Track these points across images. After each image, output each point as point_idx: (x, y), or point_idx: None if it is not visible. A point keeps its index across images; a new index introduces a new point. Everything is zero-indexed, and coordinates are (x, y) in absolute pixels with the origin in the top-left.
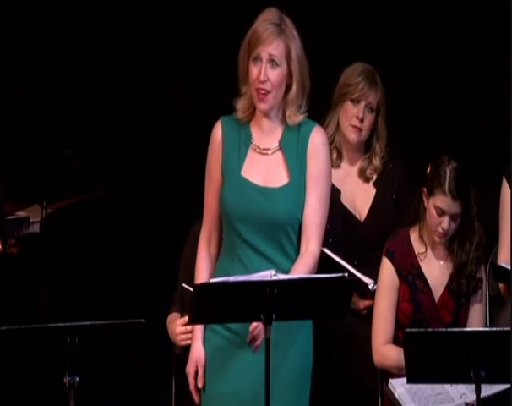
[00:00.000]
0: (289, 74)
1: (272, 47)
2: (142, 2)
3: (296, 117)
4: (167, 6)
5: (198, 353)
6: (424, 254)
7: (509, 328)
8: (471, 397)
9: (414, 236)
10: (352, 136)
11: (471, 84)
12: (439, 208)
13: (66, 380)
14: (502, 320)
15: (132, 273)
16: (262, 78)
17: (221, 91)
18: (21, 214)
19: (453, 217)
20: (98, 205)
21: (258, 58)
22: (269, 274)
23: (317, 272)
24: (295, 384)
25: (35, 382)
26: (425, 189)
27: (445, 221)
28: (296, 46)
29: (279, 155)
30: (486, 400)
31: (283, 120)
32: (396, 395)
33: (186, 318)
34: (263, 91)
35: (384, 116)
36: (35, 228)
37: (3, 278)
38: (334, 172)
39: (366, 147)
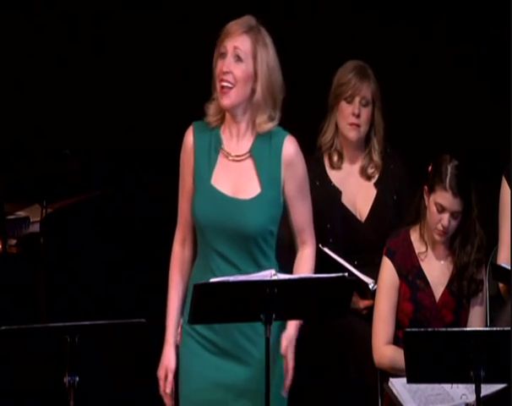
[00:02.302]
0: (254, 76)
1: (237, 40)
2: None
3: (265, 124)
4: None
5: (168, 358)
6: (425, 253)
7: (509, 328)
8: (471, 398)
9: (414, 236)
10: (351, 134)
11: (471, 84)
12: (440, 204)
13: (66, 380)
14: (502, 320)
15: (132, 273)
16: (225, 69)
17: None
18: (21, 214)
19: (453, 215)
20: (98, 205)
21: (224, 53)
22: (268, 274)
23: (317, 272)
24: None
25: (35, 382)
26: (426, 187)
27: (445, 218)
28: (264, 52)
29: (249, 162)
30: (485, 400)
31: (253, 127)
32: (396, 394)
33: None
34: (225, 83)
35: (380, 108)
36: (35, 228)
37: (3, 278)
38: (336, 173)
39: (365, 144)
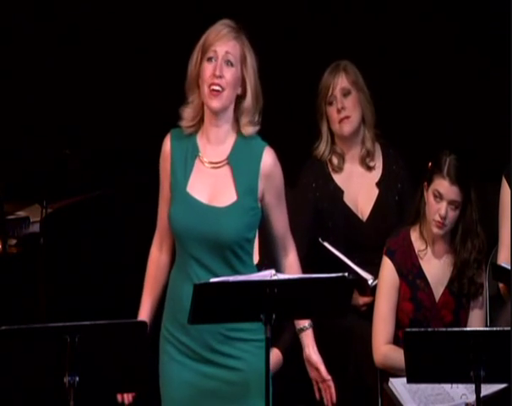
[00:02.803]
0: (242, 81)
1: (229, 45)
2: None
3: (250, 127)
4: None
5: None
6: (424, 251)
7: (509, 328)
8: (471, 398)
9: (415, 235)
10: (345, 130)
11: (471, 84)
12: (437, 191)
13: (66, 380)
14: (502, 320)
15: (132, 273)
16: (217, 73)
17: None
18: (21, 214)
19: (451, 204)
20: (98, 205)
21: (213, 57)
22: (268, 274)
23: (315, 266)
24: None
25: (35, 382)
26: (425, 183)
27: (443, 207)
28: (250, 57)
29: (226, 170)
30: (485, 400)
31: (233, 132)
32: (396, 394)
33: None
34: (217, 87)
35: (365, 91)
36: (35, 228)
37: (3, 278)
38: (338, 173)
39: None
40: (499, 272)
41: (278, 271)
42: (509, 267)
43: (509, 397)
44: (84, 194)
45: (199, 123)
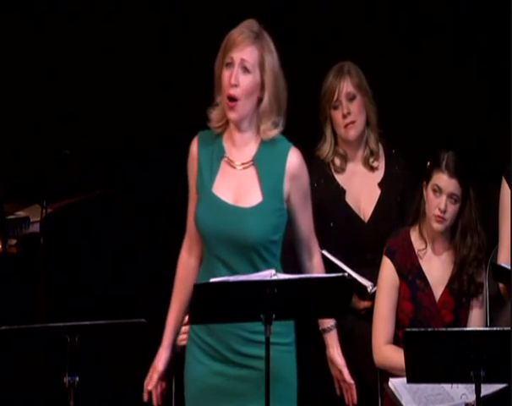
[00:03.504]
0: (261, 85)
1: (245, 52)
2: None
3: (270, 131)
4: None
5: (158, 359)
6: (424, 251)
7: (509, 328)
8: (471, 398)
9: (414, 235)
10: (350, 134)
11: (471, 84)
12: (437, 185)
13: (66, 380)
14: (502, 320)
15: (132, 273)
16: (233, 81)
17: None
18: (21, 214)
19: (450, 198)
20: (98, 205)
21: (230, 63)
22: (268, 274)
23: None
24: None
25: (35, 382)
26: (424, 182)
27: (442, 201)
28: (271, 59)
29: (252, 171)
30: (485, 400)
31: (257, 135)
32: (396, 394)
33: (186, 318)
34: (232, 99)
35: (369, 97)
36: (35, 228)
37: (3, 278)
38: (340, 173)
39: (363, 136)
40: (499, 272)
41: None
42: (509, 267)
43: (509, 397)
44: (84, 194)
45: (226, 123)
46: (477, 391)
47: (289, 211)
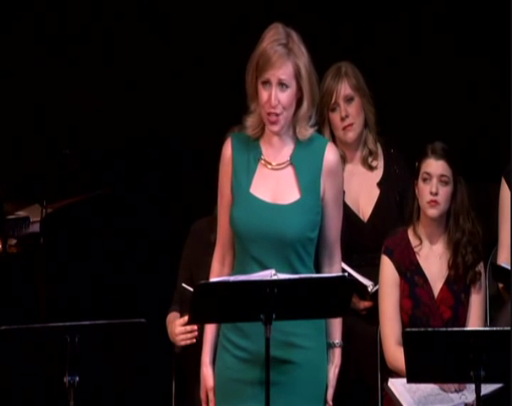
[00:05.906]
0: (299, 91)
1: (281, 72)
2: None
3: (306, 131)
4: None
5: (205, 379)
6: (420, 246)
7: (509, 328)
8: (471, 398)
9: (412, 234)
10: (349, 136)
11: (470, 84)
12: (426, 173)
13: (66, 380)
14: (502, 320)
15: (132, 273)
16: (273, 103)
17: (219, 95)
18: (21, 214)
19: (441, 182)
20: (98, 205)
21: (267, 82)
22: (269, 274)
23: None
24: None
25: (35, 382)
26: (415, 180)
27: (433, 184)
28: (304, 62)
29: (289, 170)
30: (484, 399)
31: (294, 136)
32: (396, 394)
33: (186, 318)
34: (274, 116)
35: (366, 94)
36: (35, 228)
37: (3, 278)
38: None
39: (361, 136)
40: (499, 272)
41: None
42: (508, 267)
43: (508, 397)
44: (84, 194)
45: (262, 129)
46: (477, 391)
47: (321, 210)
